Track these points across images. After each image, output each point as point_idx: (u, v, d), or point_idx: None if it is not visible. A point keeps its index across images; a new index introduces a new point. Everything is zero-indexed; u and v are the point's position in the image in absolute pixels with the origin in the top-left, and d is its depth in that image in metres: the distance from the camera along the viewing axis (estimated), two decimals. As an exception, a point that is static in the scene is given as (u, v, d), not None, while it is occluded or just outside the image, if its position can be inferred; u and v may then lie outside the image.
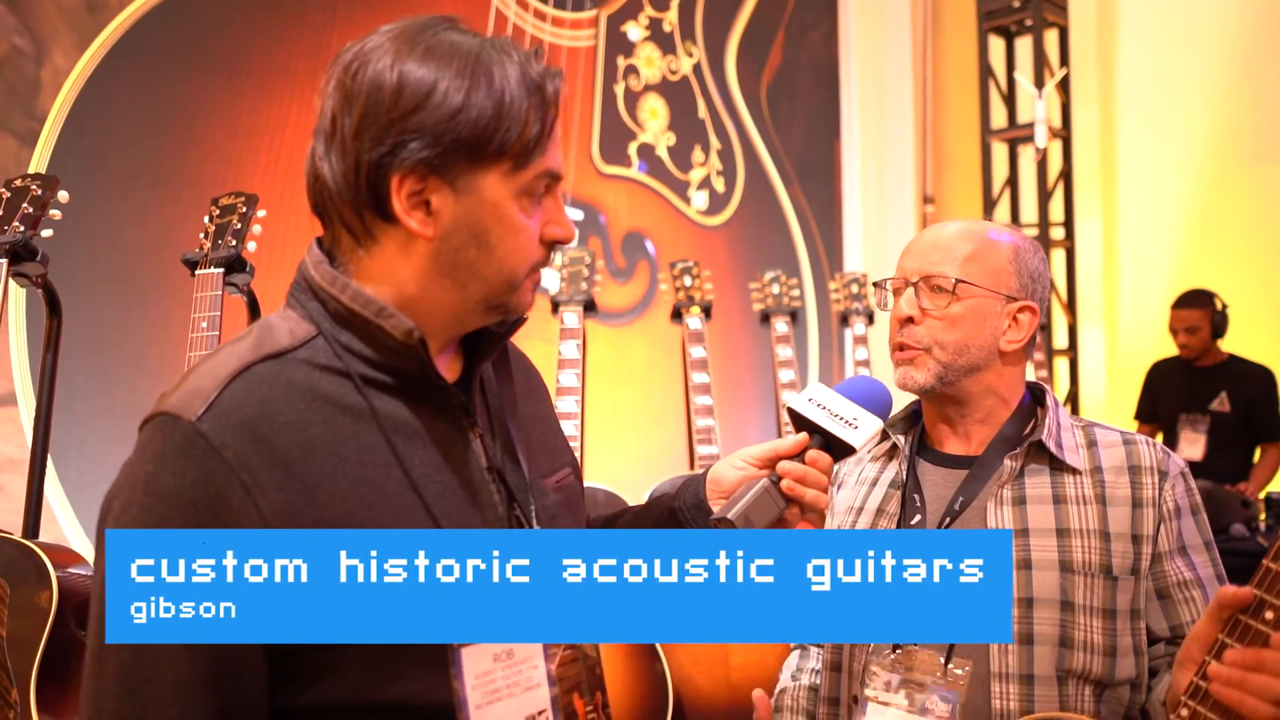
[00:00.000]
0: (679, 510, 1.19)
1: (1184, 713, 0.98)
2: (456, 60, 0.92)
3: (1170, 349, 4.33)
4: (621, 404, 3.57)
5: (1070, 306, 4.92)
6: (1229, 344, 4.20)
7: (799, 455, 1.15)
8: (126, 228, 2.50)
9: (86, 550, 1.87)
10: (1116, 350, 4.98)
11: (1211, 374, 4.12)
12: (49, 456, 1.81)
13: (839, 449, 1.17)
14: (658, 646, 2.14)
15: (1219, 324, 4.11)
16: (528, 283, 1.00)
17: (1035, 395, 1.43)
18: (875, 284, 1.48)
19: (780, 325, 2.75)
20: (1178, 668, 1.05)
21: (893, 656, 1.33)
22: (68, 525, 2.56)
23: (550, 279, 2.61)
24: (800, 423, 1.18)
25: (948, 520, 1.35)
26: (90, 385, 2.49)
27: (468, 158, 0.92)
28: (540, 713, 0.99)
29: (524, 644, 0.99)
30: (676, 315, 2.66)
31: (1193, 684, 0.97)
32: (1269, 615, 0.94)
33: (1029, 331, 1.41)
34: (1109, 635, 1.27)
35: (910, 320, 1.36)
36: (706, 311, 2.62)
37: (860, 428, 1.16)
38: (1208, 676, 0.96)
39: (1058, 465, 1.35)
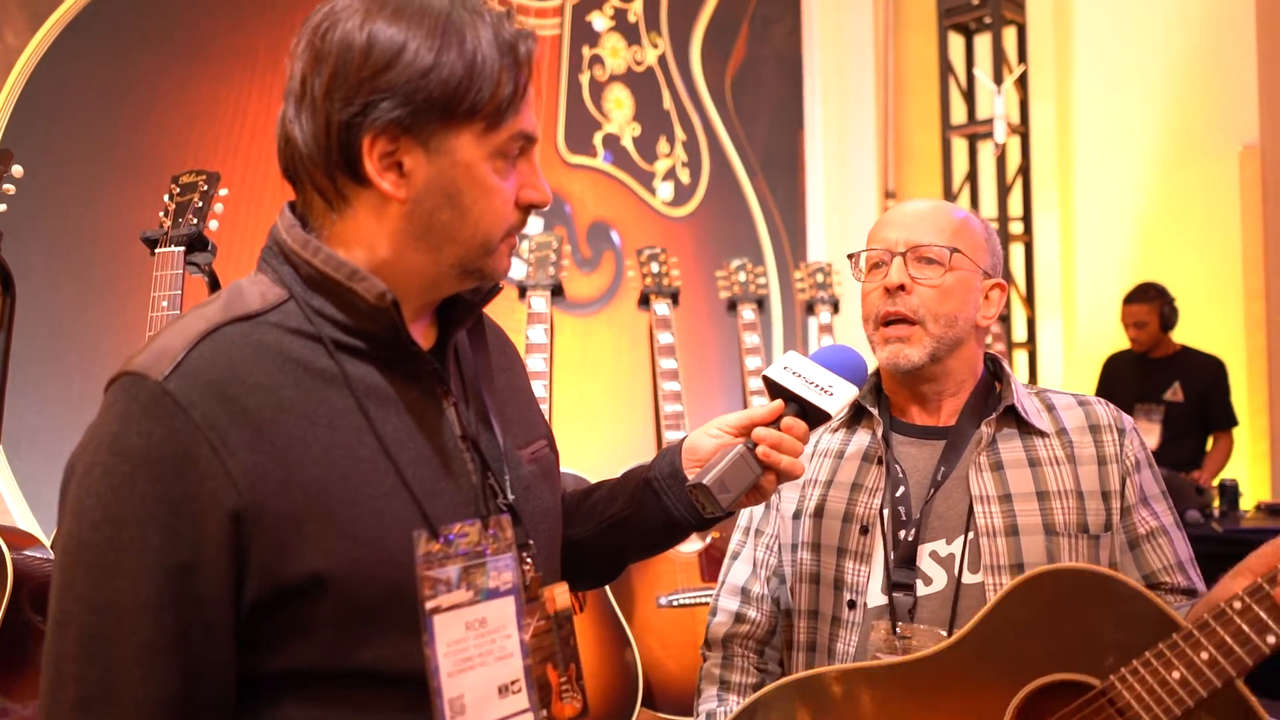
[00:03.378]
0: (654, 479, 1.19)
1: (1238, 605, 1.00)
2: (427, 20, 0.91)
3: (1125, 340, 4.42)
4: (588, 394, 3.56)
5: (1029, 299, 4.99)
6: (1182, 334, 4.29)
7: (774, 423, 1.15)
8: (81, 212, 2.44)
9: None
10: (1074, 342, 5.06)
11: (1165, 365, 4.21)
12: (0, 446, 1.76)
13: (815, 416, 1.17)
14: (628, 633, 2.13)
15: (1167, 317, 4.20)
16: (503, 247, 0.99)
17: (992, 368, 1.45)
18: (850, 256, 1.46)
19: (747, 312, 2.76)
20: (1232, 576, 1.08)
21: (889, 636, 1.32)
22: (21, 517, 2.50)
23: (517, 265, 2.60)
24: (776, 390, 1.19)
25: (932, 491, 1.35)
26: (44, 372, 2.43)
27: (440, 118, 0.91)
28: (513, 682, 0.98)
29: (497, 613, 0.98)
30: (644, 302, 2.66)
31: (1256, 584, 1.00)
32: None
33: (999, 308, 1.43)
34: None
35: (901, 289, 1.35)
36: (674, 298, 2.62)
37: (836, 395, 1.17)
38: (1275, 582, 0.99)
39: (1026, 429, 1.37)
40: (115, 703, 0.82)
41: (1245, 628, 0.99)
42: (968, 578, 1.30)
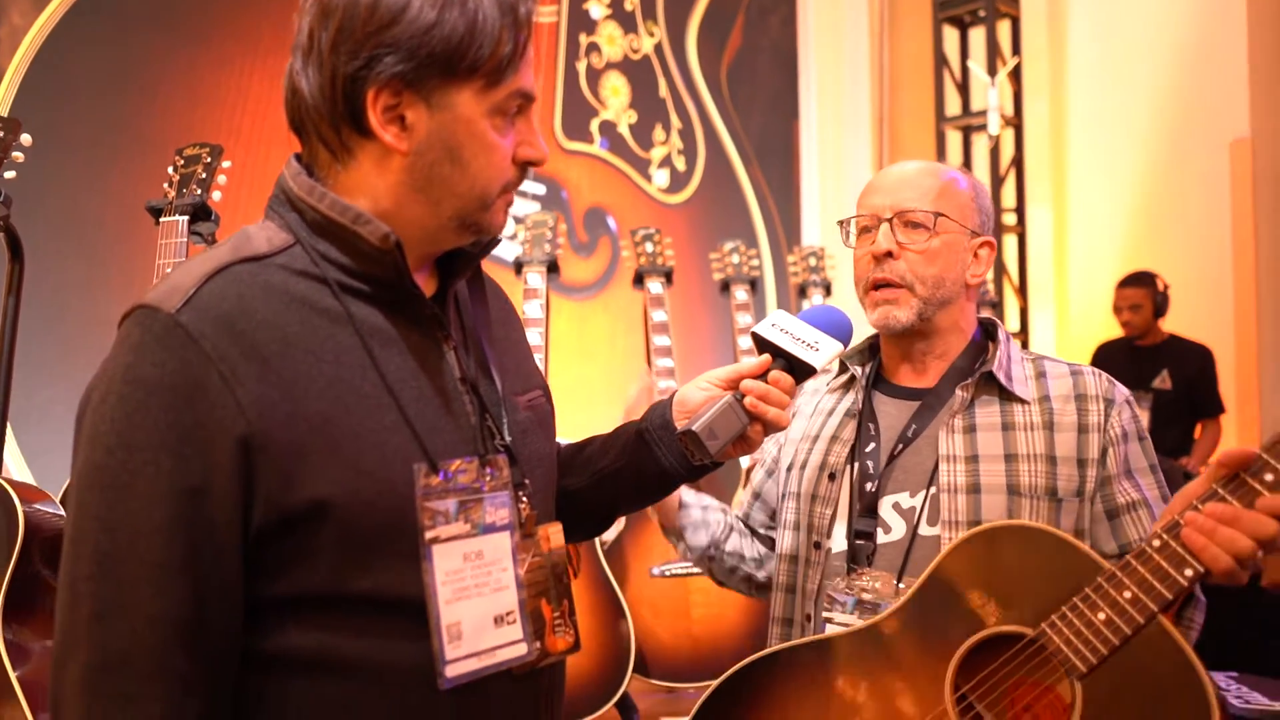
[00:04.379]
0: (646, 430, 1.23)
1: (1156, 543, 1.03)
2: None
3: (1115, 331, 4.47)
4: (584, 377, 3.60)
5: (1022, 290, 5.04)
6: (1172, 324, 4.34)
7: (762, 376, 1.20)
8: (86, 190, 2.48)
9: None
10: (1066, 332, 5.11)
11: (1153, 353, 4.25)
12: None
13: (800, 370, 1.21)
14: (623, 602, 2.17)
15: (1161, 303, 4.25)
16: (500, 202, 1.03)
17: (987, 330, 1.49)
18: (840, 222, 1.51)
19: (740, 293, 2.81)
20: (1163, 514, 1.11)
21: (847, 579, 1.38)
22: (25, 492, 2.53)
23: (513, 243, 2.64)
24: (764, 346, 1.23)
25: (900, 447, 1.41)
26: (50, 346, 2.47)
27: (442, 73, 0.95)
28: (508, 613, 1.02)
29: (493, 547, 1.03)
30: (639, 281, 2.70)
31: (1173, 520, 1.03)
32: (1269, 477, 0.99)
33: (988, 266, 1.47)
34: None
35: (889, 255, 1.39)
36: (668, 277, 2.66)
37: (821, 350, 1.21)
38: (1188, 520, 1.01)
39: (1007, 396, 1.39)
40: (128, 617, 0.85)
41: (1164, 563, 1.02)
42: (925, 530, 1.35)
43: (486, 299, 1.16)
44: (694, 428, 1.15)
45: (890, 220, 1.40)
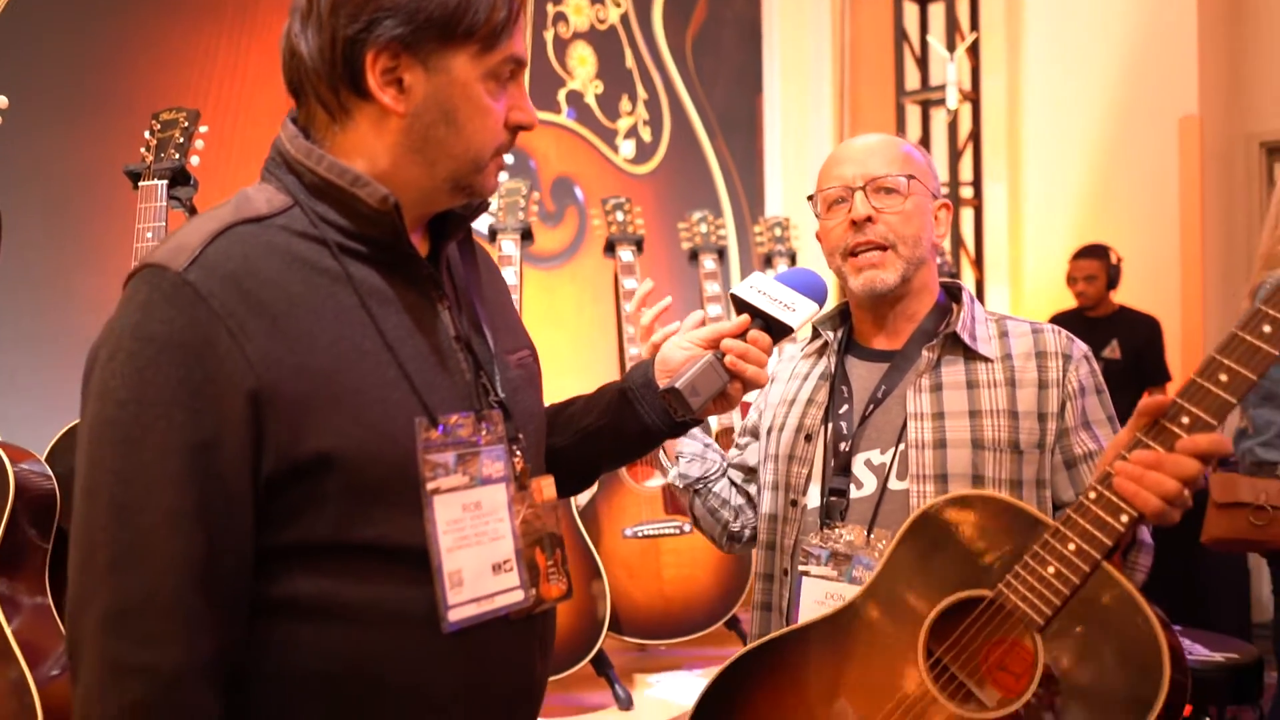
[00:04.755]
0: (628, 389, 1.27)
1: (1091, 495, 1.10)
2: None
3: (1068, 302, 4.59)
4: (552, 346, 3.63)
5: (978, 262, 5.14)
6: (1123, 296, 4.48)
7: (741, 336, 1.25)
8: (53, 157, 2.45)
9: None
10: (1020, 303, 5.23)
11: (1104, 323, 4.38)
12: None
13: (778, 330, 1.26)
14: (599, 562, 2.23)
15: (1114, 275, 4.37)
16: (492, 165, 1.06)
17: (950, 293, 1.55)
18: (809, 197, 1.57)
19: (708, 262, 2.85)
20: (1097, 467, 1.18)
21: (821, 533, 1.45)
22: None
23: (486, 213, 2.65)
24: (742, 307, 1.28)
25: (871, 407, 1.47)
26: (20, 313, 2.44)
27: (439, 37, 0.97)
28: (505, 562, 1.06)
29: (490, 498, 1.07)
30: (609, 249, 2.73)
31: (1104, 472, 1.09)
32: (1185, 420, 1.05)
33: (947, 227, 1.54)
34: None
35: (868, 220, 1.44)
36: (638, 245, 2.70)
37: (798, 311, 1.27)
38: (1117, 470, 1.08)
39: (971, 355, 1.45)
40: (144, 564, 0.87)
41: (1101, 513, 1.08)
42: (894, 484, 1.41)
43: (476, 260, 1.19)
44: (677, 385, 1.20)
45: (863, 188, 1.45)
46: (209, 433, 0.90)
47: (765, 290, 1.28)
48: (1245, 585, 4.30)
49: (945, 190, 4.95)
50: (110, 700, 0.86)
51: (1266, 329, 1.03)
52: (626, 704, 2.17)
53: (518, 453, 1.10)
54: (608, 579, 2.22)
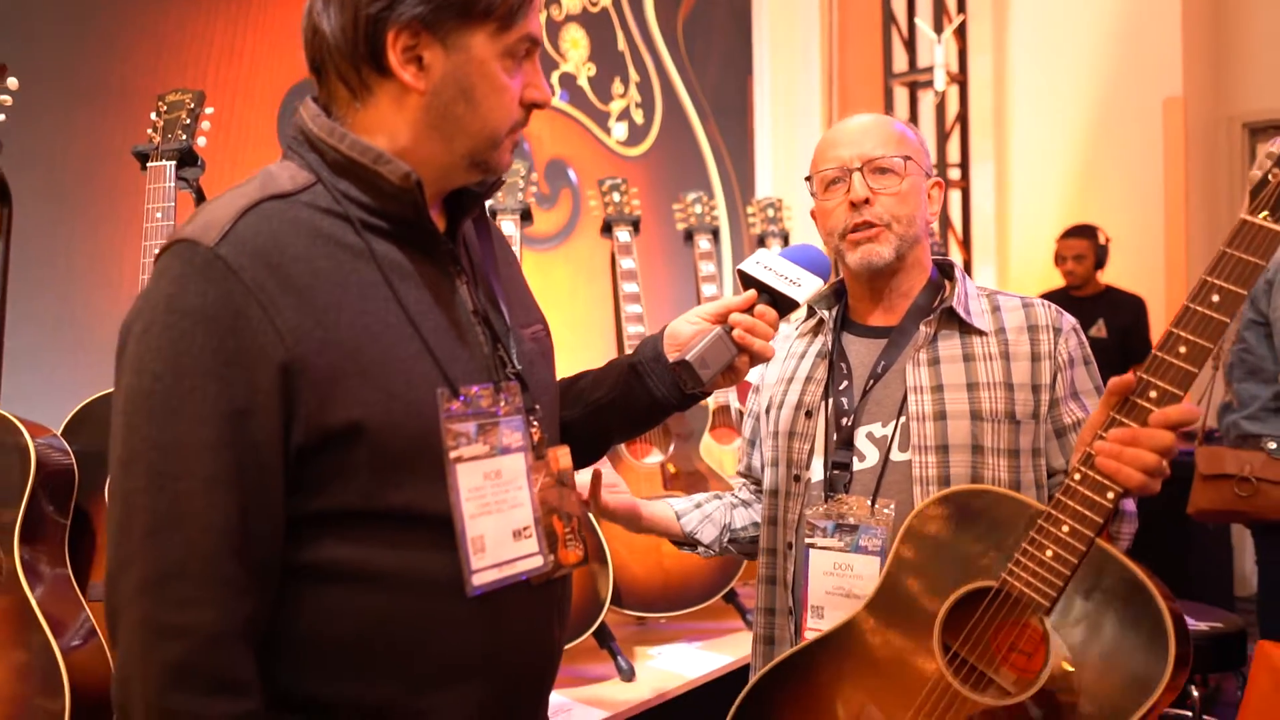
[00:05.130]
0: (639, 363, 1.30)
1: (1077, 476, 1.15)
2: None
3: (1054, 281, 4.64)
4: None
5: (965, 243, 5.19)
6: (1108, 276, 4.54)
7: (748, 310, 1.28)
8: (49, 141, 2.45)
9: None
10: (1008, 284, 5.29)
11: (1091, 303, 4.44)
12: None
13: (784, 304, 1.30)
14: (602, 538, 2.26)
15: (1101, 255, 4.44)
16: (507, 141, 1.09)
17: (943, 270, 1.59)
18: (806, 178, 1.61)
19: (703, 242, 2.88)
20: (1076, 448, 1.22)
21: (826, 505, 1.49)
22: None
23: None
24: (749, 282, 1.31)
25: (871, 382, 1.51)
26: (34, 291, 2.45)
27: (458, 16, 1.00)
28: (525, 528, 1.10)
29: (510, 467, 1.10)
30: (606, 230, 2.76)
31: (1085, 453, 1.14)
32: (1153, 394, 1.10)
33: (939, 205, 1.58)
34: (1013, 471, 1.44)
35: (865, 201, 1.48)
36: (635, 226, 2.73)
37: (803, 285, 1.30)
38: (1097, 449, 1.13)
39: (967, 329, 1.49)
40: (181, 529, 0.90)
41: (1089, 493, 1.13)
42: (896, 455, 1.45)
43: (491, 237, 1.22)
44: (688, 357, 1.23)
45: (860, 169, 1.49)
46: (242, 401, 0.92)
47: (771, 266, 1.31)
48: (1229, 561, 4.39)
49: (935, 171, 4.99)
50: (152, 660, 0.89)
51: (1215, 298, 1.07)
52: (629, 675, 2.21)
53: (534, 423, 1.13)
54: (610, 555, 2.26)
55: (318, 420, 0.96)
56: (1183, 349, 1.09)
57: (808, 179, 1.59)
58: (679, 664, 2.27)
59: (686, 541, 1.63)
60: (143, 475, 0.91)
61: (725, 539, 1.63)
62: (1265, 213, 1.06)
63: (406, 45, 1.00)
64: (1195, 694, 2.75)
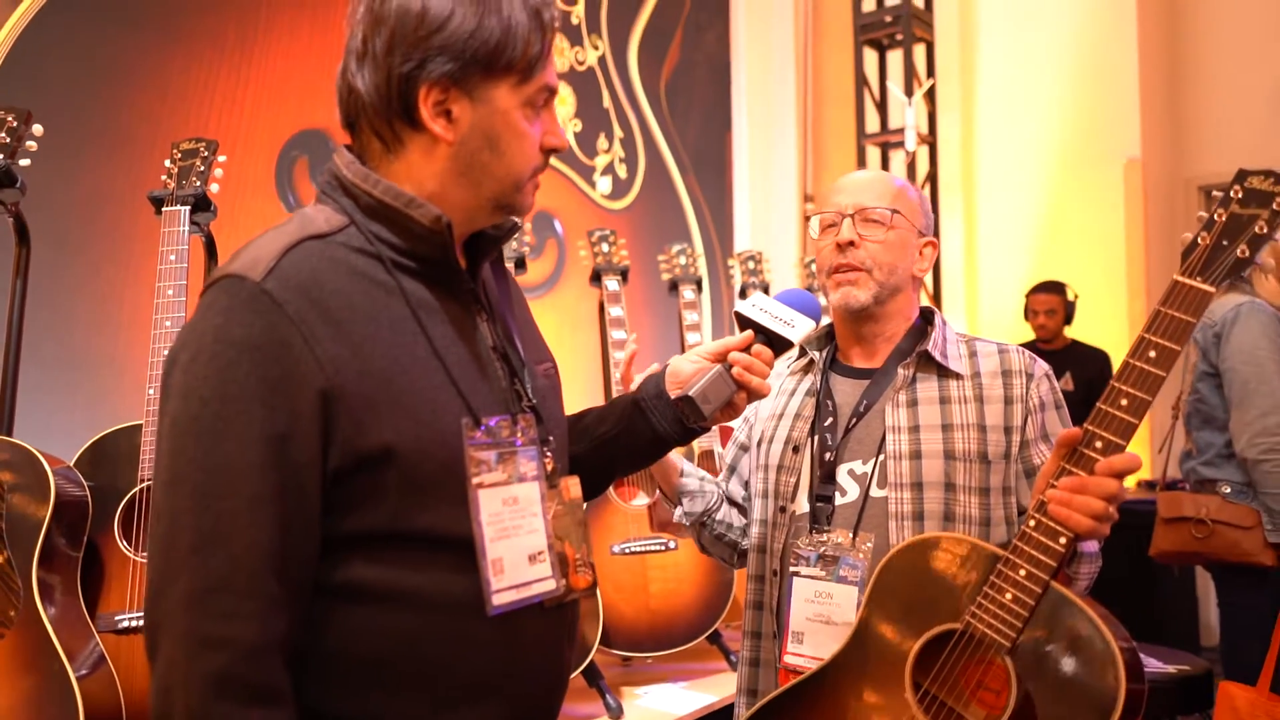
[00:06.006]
0: (642, 400, 1.38)
1: (1031, 523, 1.23)
2: None
3: (1023, 335, 4.78)
4: (532, 373, 3.70)
5: (936, 298, 5.33)
6: (1073, 330, 4.69)
7: (745, 350, 1.36)
8: (53, 185, 2.51)
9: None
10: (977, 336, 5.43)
11: (1058, 356, 4.57)
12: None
13: (779, 344, 1.39)
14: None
15: (1070, 310, 4.59)
16: (529, 185, 1.17)
17: (925, 316, 1.69)
18: (806, 218, 1.72)
19: (688, 292, 2.98)
20: (1031, 495, 1.31)
21: (811, 537, 1.56)
22: None
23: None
24: (745, 323, 1.40)
25: (854, 421, 1.59)
26: (45, 335, 2.48)
27: (483, 71, 1.08)
28: (539, 553, 1.16)
29: (526, 494, 1.16)
30: (595, 279, 2.85)
31: (1038, 501, 1.23)
32: (1099, 445, 1.19)
33: (930, 262, 1.68)
34: (984, 509, 1.52)
35: (851, 244, 1.58)
36: (624, 275, 2.82)
37: (796, 327, 1.39)
38: (1049, 497, 1.22)
39: (944, 373, 1.58)
40: (225, 546, 0.95)
41: (1042, 539, 1.22)
42: (875, 492, 1.54)
43: (507, 280, 1.30)
44: (690, 393, 1.31)
45: (852, 216, 1.59)
46: (285, 426, 0.98)
47: (766, 309, 1.40)
48: (1195, 611, 4.49)
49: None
50: (195, 670, 0.94)
51: (1152, 354, 1.17)
52: (618, 713, 2.25)
53: (548, 453, 1.19)
54: (598, 594, 2.31)
55: (353, 444, 1.01)
56: (1124, 401, 1.17)
57: (807, 219, 1.70)
58: (665, 703, 2.31)
59: (670, 497, 1.68)
60: (189, 495, 0.96)
61: (701, 519, 1.69)
62: (1196, 274, 1.16)
63: (437, 100, 1.08)
64: (1164, 735, 2.81)
